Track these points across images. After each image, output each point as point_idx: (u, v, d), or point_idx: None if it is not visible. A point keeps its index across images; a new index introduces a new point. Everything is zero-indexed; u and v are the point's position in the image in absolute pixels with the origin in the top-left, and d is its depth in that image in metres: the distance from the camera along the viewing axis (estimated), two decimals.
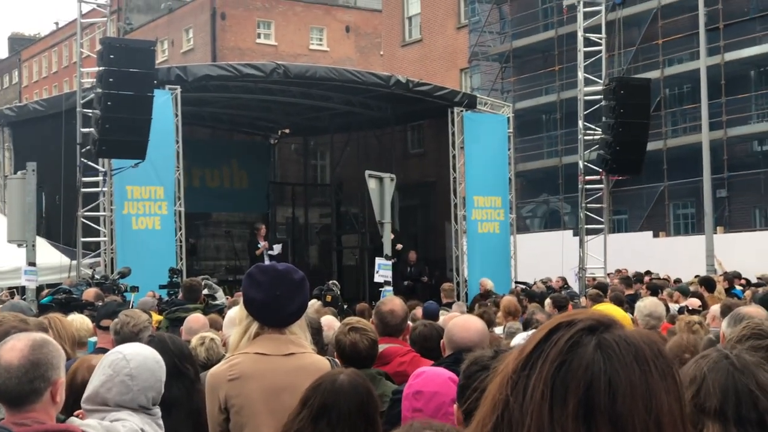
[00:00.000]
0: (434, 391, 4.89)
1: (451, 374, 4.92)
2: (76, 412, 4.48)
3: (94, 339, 7.86)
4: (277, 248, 25.24)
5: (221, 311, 12.84)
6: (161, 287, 17.61)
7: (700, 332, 8.31)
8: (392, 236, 19.94)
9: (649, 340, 1.74)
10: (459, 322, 5.97)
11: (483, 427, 1.76)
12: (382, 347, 6.66)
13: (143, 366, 4.63)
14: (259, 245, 25.41)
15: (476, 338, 5.73)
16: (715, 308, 9.92)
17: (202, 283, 14.35)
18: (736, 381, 3.29)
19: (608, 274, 24.97)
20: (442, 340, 6.06)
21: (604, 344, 1.69)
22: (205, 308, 13.05)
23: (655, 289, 17.82)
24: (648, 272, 25.60)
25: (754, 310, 6.36)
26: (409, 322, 7.22)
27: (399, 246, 23.60)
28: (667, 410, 1.67)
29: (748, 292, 19.10)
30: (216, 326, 9.26)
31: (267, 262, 23.49)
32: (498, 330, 11.37)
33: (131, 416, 4.51)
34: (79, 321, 8.38)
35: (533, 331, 1.88)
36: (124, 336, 6.71)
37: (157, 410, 4.72)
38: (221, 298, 14.84)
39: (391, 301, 7.23)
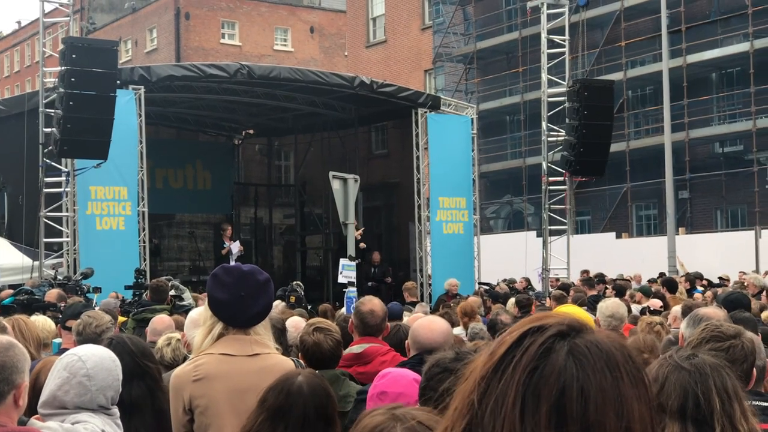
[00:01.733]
0: (399, 392, 4.91)
1: (415, 375, 4.94)
2: (34, 417, 4.45)
3: (58, 340, 7.83)
4: (235, 246, 25.14)
5: (188, 312, 12.83)
6: (127, 288, 17.54)
7: (661, 333, 8.38)
8: (358, 236, 19.95)
9: (620, 345, 1.74)
10: (424, 323, 6.00)
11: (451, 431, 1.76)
12: (362, 347, 6.69)
13: (100, 366, 4.59)
14: (224, 245, 25.36)
15: (441, 339, 5.75)
16: (676, 309, 10.00)
17: (169, 285, 14.31)
18: (696, 383, 3.35)
19: (583, 272, 25.06)
20: (406, 341, 6.09)
21: (576, 350, 1.68)
22: (172, 309, 13.01)
23: (620, 290, 17.93)
24: (622, 277, 25.68)
25: (712, 311, 6.41)
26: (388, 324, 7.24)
27: (362, 244, 23.58)
28: (638, 417, 1.67)
29: (708, 293, 19.25)
30: (182, 327, 9.25)
31: (233, 262, 23.47)
32: (458, 330, 11.37)
33: (92, 417, 4.48)
34: (42, 322, 8.34)
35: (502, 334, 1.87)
36: (87, 337, 6.68)
37: (116, 410, 4.69)
38: (188, 299, 14.81)
39: (370, 302, 7.24)
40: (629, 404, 1.67)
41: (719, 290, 18.99)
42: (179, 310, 13.24)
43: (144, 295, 15.63)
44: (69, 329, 7.62)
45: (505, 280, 25.76)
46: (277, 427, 4.20)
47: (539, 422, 1.65)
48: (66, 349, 6.88)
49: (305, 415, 4.21)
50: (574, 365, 1.66)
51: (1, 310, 11.64)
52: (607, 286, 20.35)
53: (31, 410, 4.25)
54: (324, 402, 4.29)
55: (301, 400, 4.23)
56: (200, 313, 5.84)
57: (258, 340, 5.42)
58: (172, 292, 14.22)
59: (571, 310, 11.24)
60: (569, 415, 1.64)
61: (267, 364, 5.33)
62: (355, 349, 6.89)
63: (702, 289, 21.33)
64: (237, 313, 5.36)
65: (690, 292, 19.79)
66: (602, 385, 1.66)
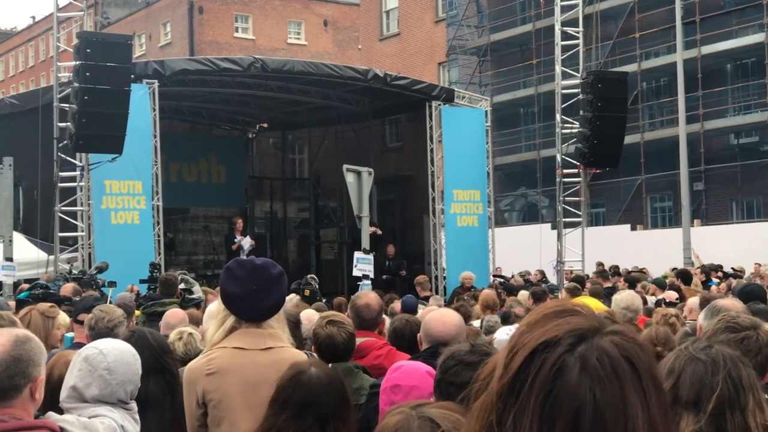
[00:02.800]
0: (412, 384, 4.91)
1: (428, 368, 4.94)
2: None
3: (71, 335, 7.84)
4: (246, 242, 25.14)
5: (198, 305, 12.83)
6: (141, 282, 17.55)
7: (676, 325, 8.36)
8: (372, 229, 19.94)
9: (629, 349, 1.76)
10: (436, 316, 5.99)
11: None
12: (358, 341, 6.68)
13: (120, 360, 4.61)
14: (235, 239, 25.35)
15: (453, 332, 5.74)
16: (692, 301, 9.97)
17: (179, 278, 14.31)
18: (711, 374, 3.34)
19: (598, 264, 25.00)
20: (419, 334, 6.08)
21: (587, 365, 1.71)
22: (181, 303, 13.02)
23: (632, 282, 17.89)
24: (637, 269, 25.63)
25: (730, 302, 6.39)
26: (385, 317, 7.24)
27: (378, 231, 23.52)
28: (641, 424, 1.70)
29: (723, 285, 19.20)
30: (194, 320, 9.25)
31: (244, 256, 23.50)
32: (475, 323, 11.38)
33: (110, 412, 4.49)
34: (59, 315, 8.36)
35: (515, 329, 1.88)
36: (99, 331, 6.69)
37: (134, 405, 4.70)
38: (198, 292, 14.80)
39: (366, 295, 7.25)
40: (633, 413, 1.70)
41: (734, 282, 18.92)
42: (189, 303, 13.24)
43: (157, 288, 15.66)
44: (81, 323, 7.63)
45: (520, 273, 25.76)
46: (289, 418, 4.19)
47: None
48: (79, 343, 6.90)
49: (318, 406, 4.20)
50: (588, 382, 1.69)
51: (17, 304, 11.67)
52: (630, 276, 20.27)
53: (44, 405, 4.25)
54: (337, 392, 4.28)
55: (314, 390, 4.23)
56: (215, 307, 5.85)
57: (271, 333, 5.43)
58: (181, 286, 14.22)
59: (587, 302, 11.23)
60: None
61: (280, 357, 5.32)
62: None
63: (717, 281, 21.27)
64: (249, 306, 5.36)
65: (705, 283, 19.76)
66: (612, 400, 1.69)
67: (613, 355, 1.73)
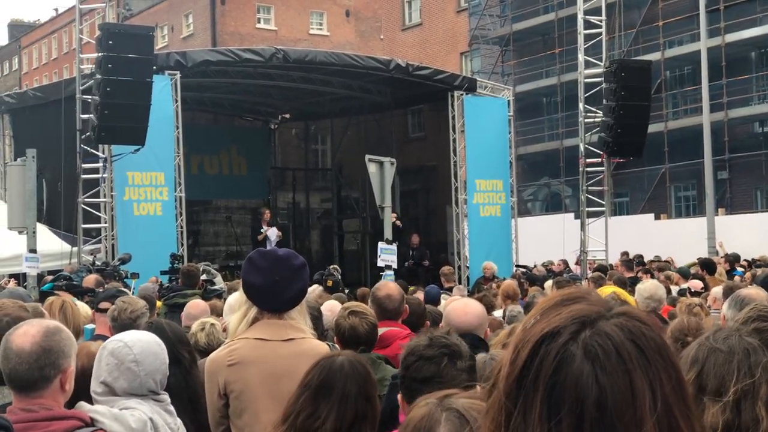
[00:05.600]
0: None
1: None
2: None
3: (91, 326, 7.85)
4: (272, 233, 25.16)
5: (220, 296, 12.84)
6: (162, 273, 17.59)
7: (700, 314, 8.32)
8: (394, 219, 19.93)
9: (634, 331, 1.73)
10: (458, 306, 5.97)
11: None
12: (381, 331, 6.66)
13: (147, 351, 4.63)
14: (261, 230, 25.40)
15: (475, 322, 5.73)
16: (716, 290, 9.93)
17: (201, 269, 14.33)
18: (729, 363, 3.33)
19: (623, 254, 24.91)
20: (440, 324, 6.06)
21: (590, 352, 1.68)
22: (203, 294, 13.03)
23: (650, 274, 17.83)
24: (659, 259, 25.52)
25: (754, 291, 6.36)
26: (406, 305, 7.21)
27: (398, 222, 23.50)
28: (648, 407, 1.67)
29: (748, 274, 19.10)
30: (216, 311, 9.26)
31: (270, 247, 23.53)
32: (497, 313, 11.37)
33: (140, 404, 4.52)
34: (81, 307, 8.40)
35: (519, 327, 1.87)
36: (122, 323, 6.71)
37: (166, 396, 4.73)
38: (220, 283, 14.83)
39: (385, 286, 7.21)
40: (640, 396, 1.67)
41: (759, 271, 18.84)
42: (210, 294, 13.25)
43: (179, 279, 15.69)
44: (103, 311, 7.65)
45: (542, 263, 25.68)
46: (319, 404, 4.19)
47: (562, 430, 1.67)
48: (100, 335, 6.92)
49: (346, 393, 4.20)
50: (591, 369, 1.67)
51: (41, 295, 11.71)
52: (648, 268, 20.18)
53: (73, 396, 4.26)
54: (364, 381, 4.27)
55: (342, 377, 4.22)
56: (236, 298, 5.85)
57: (293, 324, 5.42)
58: (203, 277, 14.24)
59: (612, 290, 11.22)
60: (588, 420, 1.65)
61: (302, 348, 5.32)
62: None
63: (742, 270, 21.17)
64: (271, 297, 5.36)
65: (730, 273, 19.66)
66: (617, 385, 1.66)
67: (617, 338, 1.70)
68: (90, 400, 4.47)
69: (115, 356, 4.57)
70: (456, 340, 4.31)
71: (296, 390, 4.31)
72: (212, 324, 7.39)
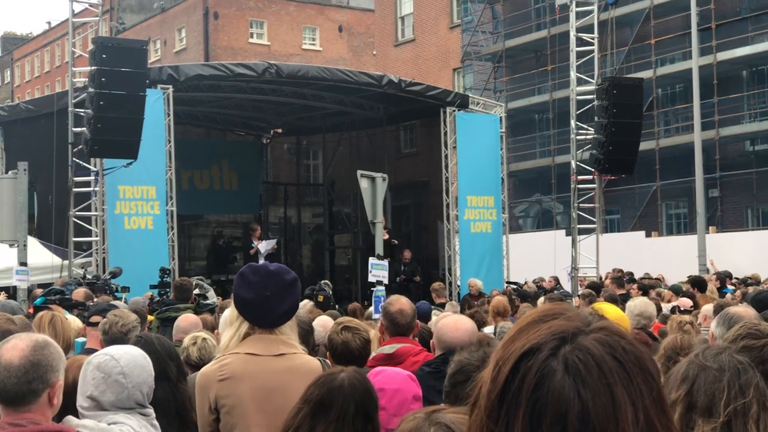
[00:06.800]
0: (396, 388, 4.96)
1: (409, 372, 4.98)
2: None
3: (81, 339, 7.84)
4: (263, 245, 25.19)
5: (212, 311, 12.83)
6: (152, 287, 17.59)
7: (691, 332, 8.33)
8: (386, 235, 19.92)
9: (613, 345, 1.73)
10: (449, 322, 5.97)
11: None
12: (394, 347, 6.65)
13: (133, 363, 4.64)
14: (252, 245, 25.44)
15: (466, 338, 5.73)
16: (707, 308, 9.94)
17: (194, 283, 14.33)
18: (719, 381, 3.34)
19: (615, 270, 24.96)
20: (432, 340, 6.07)
21: (571, 367, 1.68)
22: (196, 308, 13.02)
23: (645, 289, 17.83)
24: (648, 276, 25.56)
25: (743, 310, 6.37)
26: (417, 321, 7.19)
27: (394, 241, 23.51)
28: (631, 420, 1.67)
29: (738, 292, 19.12)
30: (207, 326, 9.25)
31: (262, 259, 23.57)
32: (488, 329, 11.36)
33: (128, 419, 4.51)
34: (72, 320, 8.39)
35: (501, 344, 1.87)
36: (113, 336, 6.71)
37: (151, 410, 4.72)
38: (212, 297, 14.82)
39: (398, 301, 7.17)
40: (622, 410, 1.67)
41: (749, 289, 18.85)
42: (203, 308, 13.25)
43: (169, 293, 15.68)
44: (94, 325, 7.64)
45: (533, 280, 25.70)
46: (318, 421, 4.19)
47: None
48: (90, 349, 6.91)
49: (345, 410, 4.19)
50: (572, 384, 1.67)
51: (35, 310, 11.69)
52: (643, 284, 20.19)
53: (60, 411, 4.26)
54: (365, 399, 4.27)
55: (342, 395, 4.21)
56: (229, 313, 5.85)
57: (284, 339, 5.42)
58: (196, 291, 14.24)
59: (605, 308, 11.20)
60: None
61: (293, 363, 5.33)
62: (386, 349, 6.83)
63: (733, 288, 21.20)
64: (263, 312, 5.36)
65: (721, 291, 19.68)
66: (598, 400, 1.67)
67: (597, 353, 1.70)
68: (78, 415, 4.46)
69: (101, 370, 4.56)
70: None
71: (296, 405, 4.31)
72: (204, 338, 7.38)
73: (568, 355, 1.70)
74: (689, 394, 3.35)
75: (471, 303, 18.18)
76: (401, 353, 6.69)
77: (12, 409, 3.97)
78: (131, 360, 4.64)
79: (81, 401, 4.56)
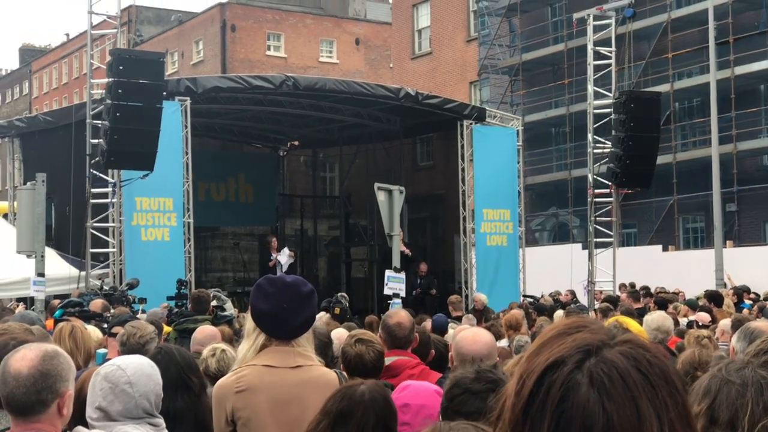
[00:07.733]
0: (421, 403, 4.94)
1: (436, 387, 4.95)
2: None
3: (103, 351, 7.85)
4: (283, 255, 25.25)
5: (230, 323, 12.83)
6: (169, 298, 17.60)
7: (708, 347, 8.29)
8: (403, 247, 19.91)
9: (638, 358, 1.73)
10: (467, 335, 5.95)
11: None
12: (390, 359, 6.64)
13: (140, 372, 4.63)
14: (271, 257, 25.51)
15: (485, 351, 5.71)
16: (724, 323, 9.91)
17: (211, 295, 14.33)
18: (743, 396, 3.33)
19: (621, 285, 24.91)
20: (450, 353, 6.05)
21: (596, 380, 1.69)
22: (213, 320, 13.03)
23: (662, 304, 17.78)
24: (664, 290, 25.49)
25: (764, 324, 6.34)
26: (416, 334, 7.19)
27: (407, 251, 23.49)
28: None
29: (755, 307, 19.05)
30: (225, 337, 9.24)
31: (282, 271, 23.62)
32: (503, 343, 11.34)
33: (137, 429, 4.51)
34: (92, 331, 8.41)
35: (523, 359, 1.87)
36: (131, 347, 6.71)
37: (161, 421, 4.71)
38: (230, 309, 14.82)
39: (396, 314, 7.19)
40: (648, 424, 1.67)
41: (767, 304, 18.78)
42: (221, 320, 13.25)
43: (186, 305, 15.69)
44: (115, 335, 7.65)
45: (550, 294, 25.65)
46: (335, 430, 4.19)
47: None
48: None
49: (365, 423, 4.19)
50: (597, 397, 1.67)
51: (54, 323, 11.70)
52: (660, 298, 20.14)
53: (72, 421, 4.25)
54: (384, 411, 4.27)
55: (362, 406, 4.22)
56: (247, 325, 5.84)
57: (301, 351, 5.41)
58: (213, 303, 14.24)
59: (623, 321, 11.17)
60: None
61: (310, 375, 5.32)
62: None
63: (750, 303, 21.12)
64: (279, 324, 5.35)
65: (737, 305, 19.61)
66: (624, 413, 1.67)
67: (622, 366, 1.70)
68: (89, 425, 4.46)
69: (108, 380, 4.56)
70: (503, 375, 4.30)
71: (315, 416, 4.31)
72: (223, 350, 7.37)
73: (592, 368, 1.70)
74: (711, 408, 3.33)
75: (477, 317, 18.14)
76: (397, 366, 6.69)
77: (21, 419, 3.96)
78: (138, 369, 4.64)
79: (90, 412, 4.57)
